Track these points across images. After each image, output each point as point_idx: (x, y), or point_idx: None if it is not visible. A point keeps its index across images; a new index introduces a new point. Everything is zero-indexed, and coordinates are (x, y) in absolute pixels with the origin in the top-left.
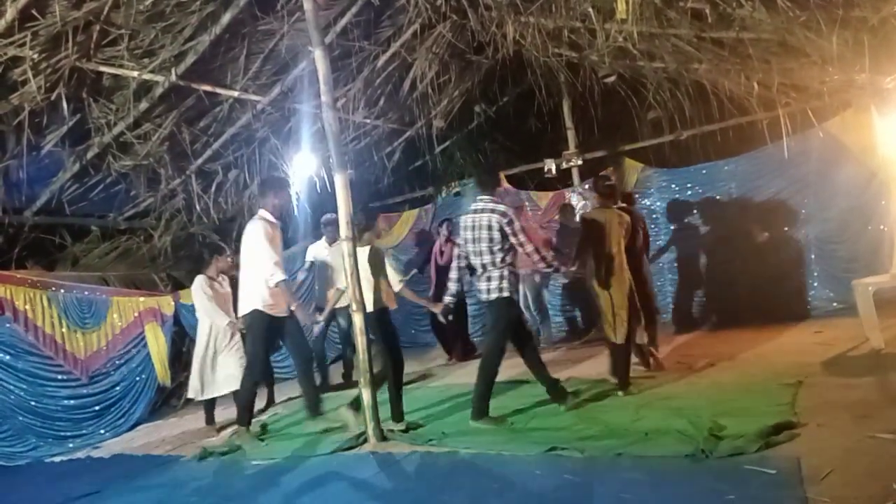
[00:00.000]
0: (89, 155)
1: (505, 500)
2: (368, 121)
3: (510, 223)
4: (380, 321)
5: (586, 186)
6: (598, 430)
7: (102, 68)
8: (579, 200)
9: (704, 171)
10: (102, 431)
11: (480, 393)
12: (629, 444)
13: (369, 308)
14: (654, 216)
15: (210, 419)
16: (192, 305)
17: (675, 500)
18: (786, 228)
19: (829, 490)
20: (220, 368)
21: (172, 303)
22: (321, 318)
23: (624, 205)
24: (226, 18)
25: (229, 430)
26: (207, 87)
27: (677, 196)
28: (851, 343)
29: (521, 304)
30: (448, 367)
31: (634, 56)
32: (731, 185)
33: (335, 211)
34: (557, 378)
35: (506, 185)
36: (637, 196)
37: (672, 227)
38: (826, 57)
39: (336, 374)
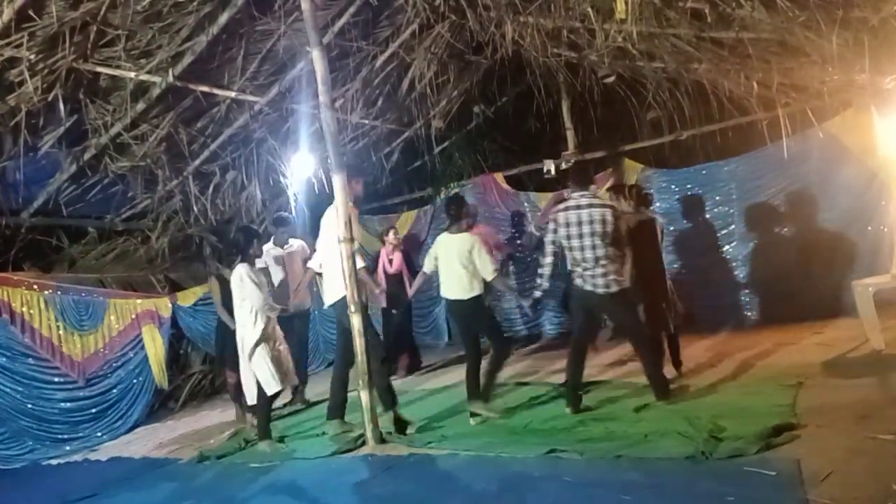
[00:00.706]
0: (86, 156)
1: (504, 502)
2: (367, 121)
3: (618, 219)
4: (476, 308)
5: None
6: (598, 432)
7: (99, 69)
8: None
9: (704, 172)
10: (99, 434)
11: (657, 378)
12: (629, 446)
13: (464, 296)
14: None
15: (245, 413)
16: (190, 307)
17: (675, 501)
18: (785, 229)
19: (829, 491)
20: (284, 359)
21: (170, 305)
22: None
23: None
24: (223, 19)
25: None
26: (205, 88)
27: (677, 196)
28: (852, 344)
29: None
30: (448, 368)
31: (634, 56)
32: (730, 185)
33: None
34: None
35: (505, 186)
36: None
37: (671, 228)
38: (826, 57)
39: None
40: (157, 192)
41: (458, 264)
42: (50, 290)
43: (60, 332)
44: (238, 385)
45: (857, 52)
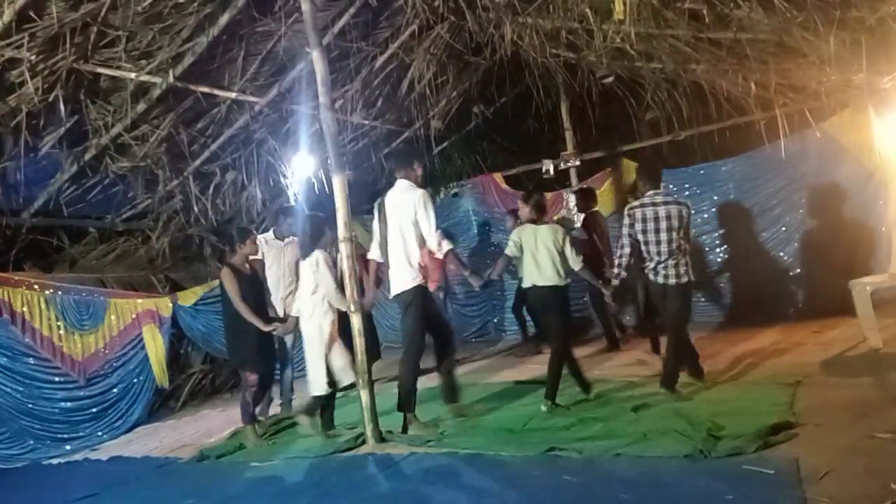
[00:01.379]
0: (87, 156)
1: (503, 501)
2: (366, 122)
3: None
4: (563, 296)
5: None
6: (597, 430)
7: (100, 70)
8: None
9: (702, 172)
10: (100, 433)
11: (673, 368)
12: (628, 445)
13: (552, 283)
14: None
15: (317, 415)
16: (190, 307)
17: (674, 500)
18: (783, 228)
19: (827, 490)
20: (335, 358)
21: (170, 304)
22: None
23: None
24: (223, 20)
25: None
26: (205, 89)
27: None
28: (850, 343)
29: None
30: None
31: (632, 57)
32: (729, 185)
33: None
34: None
35: (504, 186)
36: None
37: None
38: (823, 57)
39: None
40: (157, 192)
41: (546, 253)
42: (50, 290)
43: (61, 331)
44: (263, 386)
45: (854, 53)
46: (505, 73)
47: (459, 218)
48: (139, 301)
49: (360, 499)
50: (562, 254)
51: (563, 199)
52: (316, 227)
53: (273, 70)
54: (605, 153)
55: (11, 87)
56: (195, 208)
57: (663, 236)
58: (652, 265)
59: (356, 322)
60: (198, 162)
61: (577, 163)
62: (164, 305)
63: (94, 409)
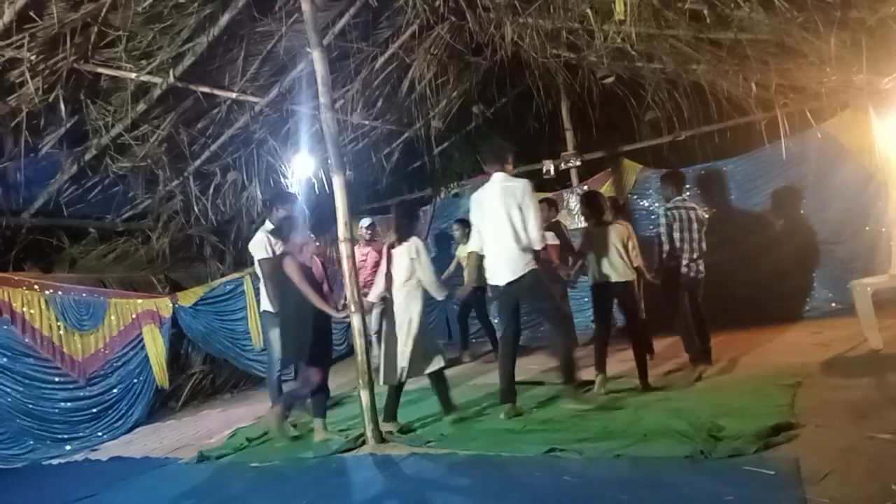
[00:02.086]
0: (87, 156)
1: (504, 501)
2: (367, 122)
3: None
4: (626, 293)
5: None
6: (597, 431)
7: (100, 70)
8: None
9: (703, 172)
10: (100, 434)
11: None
12: (628, 446)
13: (620, 279)
14: (652, 216)
15: (394, 413)
16: (190, 307)
17: (675, 501)
18: (783, 229)
19: (827, 491)
20: (417, 349)
21: (170, 304)
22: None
23: None
24: (224, 20)
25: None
26: (205, 89)
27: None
28: (850, 343)
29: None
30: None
31: (633, 57)
32: (729, 185)
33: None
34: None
35: None
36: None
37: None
38: (824, 58)
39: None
40: (157, 192)
41: (615, 251)
42: (51, 290)
43: (61, 331)
44: (324, 385)
45: (854, 53)
46: (505, 74)
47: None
48: (139, 301)
49: (360, 499)
50: (629, 252)
51: (563, 199)
52: (410, 212)
53: (273, 70)
54: (606, 153)
55: (12, 87)
56: (195, 208)
57: (696, 235)
58: (685, 261)
59: (356, 322)
60: (198, 162)
61: (578, 163)
62: (164, 306)
63: (94, 410)
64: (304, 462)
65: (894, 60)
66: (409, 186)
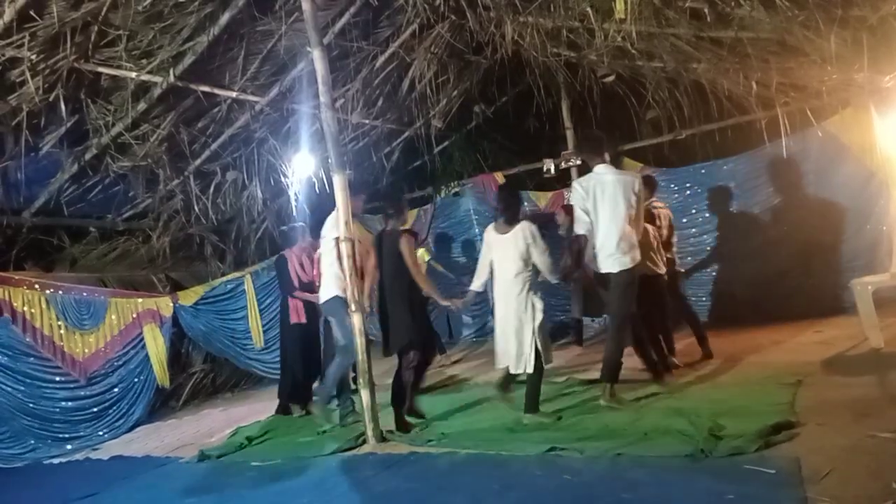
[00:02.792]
0: (88, 156)
1: (505, 500)
2: (367, 121)
3: None
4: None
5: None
6: (598, 430)
7: (101, 69)
8: None
9: (704, 171)
10: (101, 433)
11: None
12: (629, 444)
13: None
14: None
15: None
16: (191, 306)
17: (675, 499)
18: (784, 227)
19: (828, 489)
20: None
21: (171, 304)
22: None
23: None
24: (224, 19)
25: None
26: (206, 88)
27: (676, 195)
28: (851, 342)
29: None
30: (448, 367)
31: (633, 56)
32: (730, 184)
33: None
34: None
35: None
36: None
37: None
38: (825, 56)
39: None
40: (158, 191)
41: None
42: (51, 290)
43: (62, 331)
44: (423, 365)
45: (855, 51)
46: (506, 72)
47: (460, 217)
48: (140, 300)
49: (360, 499)
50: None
51: (563, 198)
52: (515, 196)
53: (274, 69)
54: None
55: (12, 87)
56: (196, 208)
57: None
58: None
59: (356, 322)
60: (198, 161)
61: (578, 162)
62: (165, 305)
63: (95, 409)
64: (304, 461)
65: (895, 59)
66: (410, 186)
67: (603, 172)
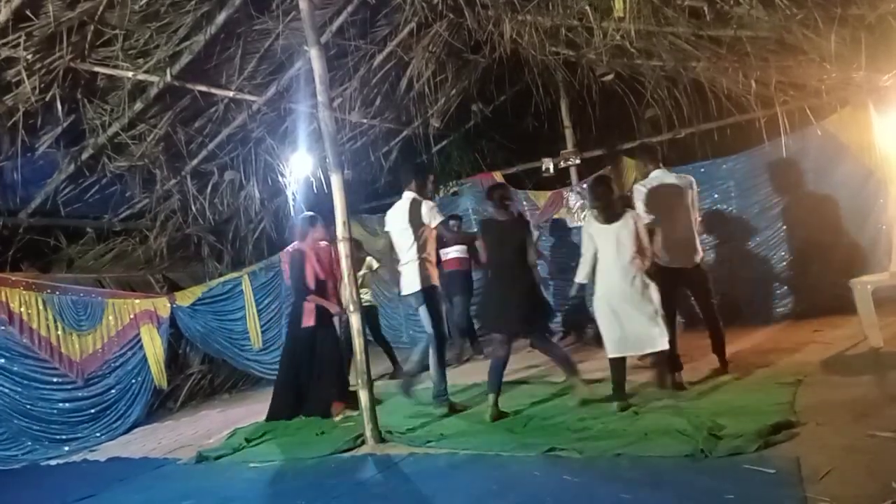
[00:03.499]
0: (84, 156)
1: (504, 501)
2: (365, 120)
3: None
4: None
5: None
6: (597, 430)
7: (97, 69)
8: (577, 200)
9: (703, 170)
10: (98, 434)
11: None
12: (628, 444)
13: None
14: None
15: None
16: (188, 307)
17: (675, 499)
18: (784, 226)
19: (828, 489)
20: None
21: (168, 304)
22: None
23: None
24: (221, 18)
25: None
26: (202, 88)
27: None
28: (850, 342)
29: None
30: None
31: (632, 54)
32: (729, 183)
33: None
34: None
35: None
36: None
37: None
38: (824, 55)
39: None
40: (155, 191)
41: None
42: (48, 291)
43: (59, 332)
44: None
45: (854, 50)
46: (504, 71)
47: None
48: (137, 301)
49: (359, 499)
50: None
51: (562, 197)
52: (607, 186)
53: (271, 68)
54: (606, 151)
55: (8, 87)
56: (193, 208)
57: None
58: None
59: (355, 322)
60: (195, 161)
61: (577, 161)
62: (162, 306)
63: (93, 410)
64: (303, 462)
65: (894, 57)
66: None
67: (663, 176)
